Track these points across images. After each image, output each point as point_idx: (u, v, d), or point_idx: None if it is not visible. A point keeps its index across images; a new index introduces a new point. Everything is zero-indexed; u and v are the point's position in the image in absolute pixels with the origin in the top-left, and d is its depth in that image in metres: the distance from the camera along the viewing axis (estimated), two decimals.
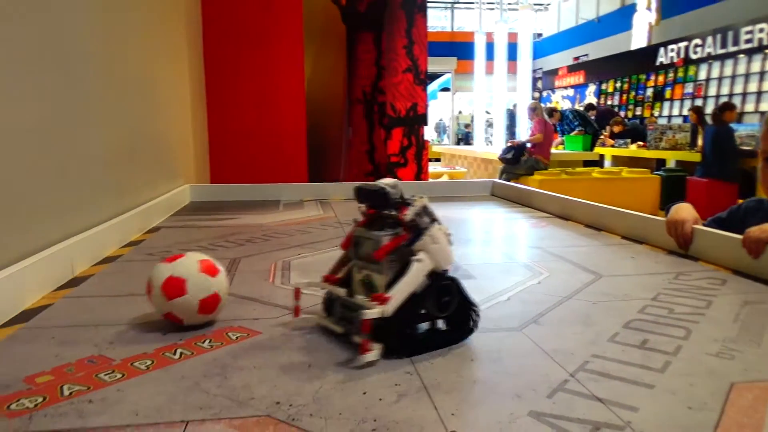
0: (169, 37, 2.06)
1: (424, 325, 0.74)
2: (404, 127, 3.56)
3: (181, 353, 0.72)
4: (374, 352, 0.68)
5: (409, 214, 0.70)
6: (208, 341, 0.75)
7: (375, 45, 3.47)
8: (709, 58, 8.95)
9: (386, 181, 0.72)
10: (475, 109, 12.39)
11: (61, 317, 0.86)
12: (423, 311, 0.71)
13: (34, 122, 1.03)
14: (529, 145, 6.58)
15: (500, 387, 0.62)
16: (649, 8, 10.38)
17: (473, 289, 0.94)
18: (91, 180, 1.30)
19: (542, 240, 1.44)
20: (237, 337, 0.77)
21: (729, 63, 8.42)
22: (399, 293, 0.68)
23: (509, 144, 7.10)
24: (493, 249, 1.41)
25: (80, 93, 1.25)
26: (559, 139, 8.41)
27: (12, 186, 0.95)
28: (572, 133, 8.20)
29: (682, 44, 9.75)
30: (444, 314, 0.72)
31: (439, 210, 0.74)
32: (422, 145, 3.70)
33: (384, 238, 0.70)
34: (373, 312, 0.67)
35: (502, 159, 6.63)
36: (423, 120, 3.67)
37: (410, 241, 0.70)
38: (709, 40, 8.87)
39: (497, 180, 2.40)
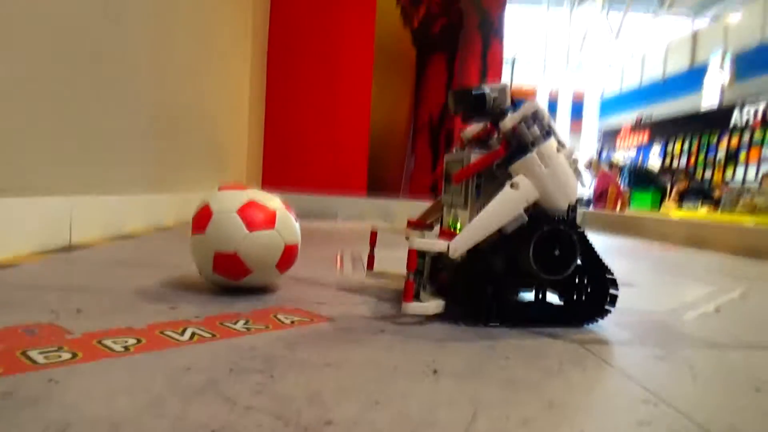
0: (232, 28, 1.84)
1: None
2: None
3: (193, 334, 0.40)
4: (427, 305, 0.45)
5: (508, 120, 0.45)
6: (243, 322, 0.43)
7: (447, 68, 3.23)
8: None
9: (492, 85, 0.49)
10: None
11: (29, 276, 0.56)
12: (518, 265, 0.45)
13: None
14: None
15: None
16: (722, 68, 9.99)
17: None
18: (120, 150, 1.02)
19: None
20: (292, 322, 0.45)
21: None
22: (472, 229, 0.44)
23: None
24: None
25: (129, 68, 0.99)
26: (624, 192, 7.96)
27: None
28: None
29: (761, 104, 9.24)
30: (549, 274, 0.44)
31: None
32: None
33: (473, 155, 0.48)
34: (430, 244, 0.45)
35: None
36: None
37: (507, 160, 0.46)
38: None
39: (588, 209, 2.05)
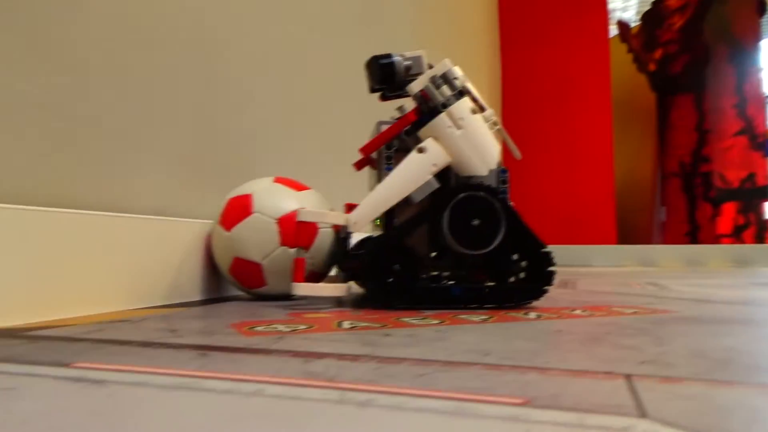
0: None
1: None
2: (738, 202, 2.85)
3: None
4: (320, 286, 0.41)
5: (416, 83, 0.41)
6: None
7: (695, 107, 2.95)
8: None
9: (406, 53, 0.43)
10: None
11: None
12: (436, 241, 0.41)
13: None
14: None
15: None
16: None
17: None
18: None
19: None
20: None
21: None
22: (373, 198, 0.41)
23: None
24: None
25: None
26: None
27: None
28: None
29: None
30: (470, 249, 0.40)
31: None
32: (764, 225, 2.89)
33: (383, 126, 0.43)
34: (321, 215, 0.43)
35: None
36: (764, 193, 2.90)
37: (416, 125, 0.41)
38: None
39: None
